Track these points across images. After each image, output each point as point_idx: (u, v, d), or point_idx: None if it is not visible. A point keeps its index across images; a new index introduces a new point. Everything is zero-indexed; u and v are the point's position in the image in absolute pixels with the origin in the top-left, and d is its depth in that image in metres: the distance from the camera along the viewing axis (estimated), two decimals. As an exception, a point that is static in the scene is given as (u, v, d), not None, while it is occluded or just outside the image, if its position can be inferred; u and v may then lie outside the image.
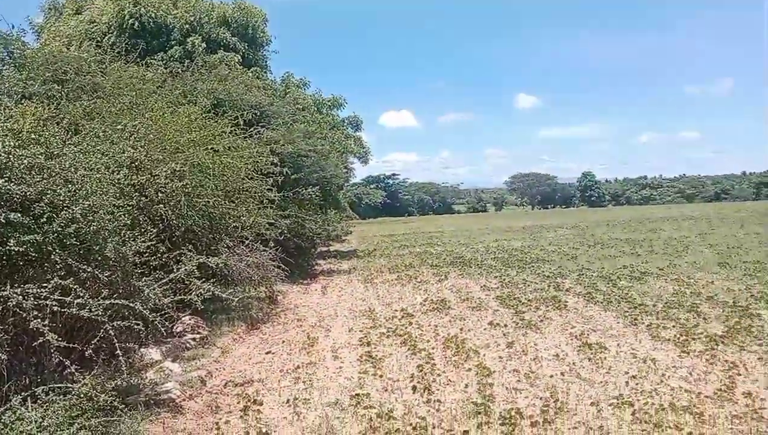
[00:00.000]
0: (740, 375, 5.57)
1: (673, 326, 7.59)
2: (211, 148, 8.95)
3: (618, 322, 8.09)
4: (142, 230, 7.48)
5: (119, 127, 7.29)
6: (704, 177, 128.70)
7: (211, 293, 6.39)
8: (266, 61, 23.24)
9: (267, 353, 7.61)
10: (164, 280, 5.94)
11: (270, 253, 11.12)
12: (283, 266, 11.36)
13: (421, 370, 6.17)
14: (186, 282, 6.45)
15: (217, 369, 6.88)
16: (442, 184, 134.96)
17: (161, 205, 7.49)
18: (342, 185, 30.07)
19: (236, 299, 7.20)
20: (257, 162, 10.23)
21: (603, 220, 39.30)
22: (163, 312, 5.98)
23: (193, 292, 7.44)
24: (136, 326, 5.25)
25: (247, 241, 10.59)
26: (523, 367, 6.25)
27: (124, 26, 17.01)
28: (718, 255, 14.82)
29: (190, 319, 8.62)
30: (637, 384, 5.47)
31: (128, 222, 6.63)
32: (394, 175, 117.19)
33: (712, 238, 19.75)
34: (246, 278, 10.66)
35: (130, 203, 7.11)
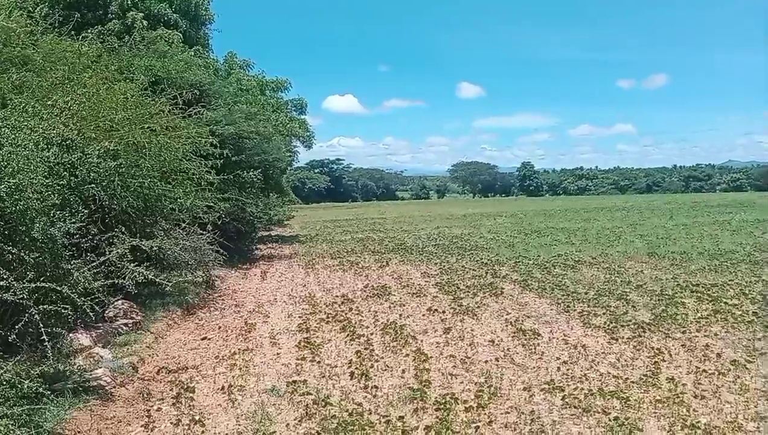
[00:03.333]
0: (665, 361, 5.83)
1: (604, 313, 7.88)
2: (148, 128, 8.63)
3: (551, 309, 8.34)
4: (73, 211, 7.20)
5: (50, 102, 6.92)
6: (637, 169, 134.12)
7: (144, 278, 6.18)
8: (209, 40, 22.61)
9: (203, 339, 7.47)
10: (95, 263, 5.70)
11: (208, 236, 10.89)
12: (222, 251, 11.13)
13: (359, 356, 6.19)
14: (118, 265, 6.21)
15: (150, 355, 6.70)
16: (386, 171, 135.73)
17: (93, 186, 7.19)
18: (285, 169, 29.73)
19: (170, 284, 6.99)
20: (196, 143, 9.94)
21: (540, 209, 40.34)
22: (93, 296, 5.78)
23: (127, 277, 7.25)
24: (63, 311, 5.06)
25: (184, 225, 10.35)
26: (460, 352, 6.36)
27: (58, -3, 16.13)
28: (647, 245, 15.46)
29: (122, 304, 8.34)
30: (568, 369, 5.66)
31: (57, 202, 6.36)
32: (338, 160, 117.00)
33: (643, 229, 20.58)
34: (182, 262, 10.44)
35: (60, 183, 6.82)
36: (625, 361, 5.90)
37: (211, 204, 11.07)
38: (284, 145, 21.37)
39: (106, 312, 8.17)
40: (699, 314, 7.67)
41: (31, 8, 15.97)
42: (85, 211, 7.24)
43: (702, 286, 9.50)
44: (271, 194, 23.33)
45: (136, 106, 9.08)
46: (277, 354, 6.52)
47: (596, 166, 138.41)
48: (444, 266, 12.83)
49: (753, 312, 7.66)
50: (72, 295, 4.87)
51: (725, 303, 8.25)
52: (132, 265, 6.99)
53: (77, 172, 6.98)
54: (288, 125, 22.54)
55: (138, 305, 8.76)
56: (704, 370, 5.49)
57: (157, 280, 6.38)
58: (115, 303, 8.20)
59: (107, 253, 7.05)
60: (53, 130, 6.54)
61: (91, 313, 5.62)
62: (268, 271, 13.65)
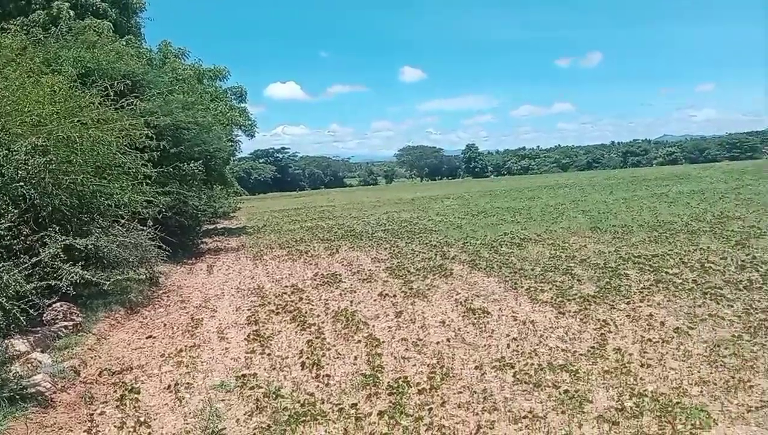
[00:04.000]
0: (611, 332, 5.97)
1: (550, 289, 8.03)
2: (78, 121, 8.22)
3: (500, 287, 8.44)
4: (1, 211, 6.83)
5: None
6: (577, 147, 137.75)
7: (80, 278, 5.91)
8: (141, 29, 21.85)
9: (147, 338, 7.22)
10: (26, 265, 5.39)
11: (149, 232, 10.54)
12: (164, 246, 10.78)
13: (310, 346, 6.10)
14: (52, 266, 5.91)
15: (92, 357, 6.43)
16: (333, 158, 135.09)
17: (21, 184, 6.81)
18: (228, 160, 29.07)
19: (108, 283, 6.68)
20: (130, 135, 9.55)
21: (486, 190, 40.95)
22: (27, 299, 5.49)
23: (63, 277, 6.93)
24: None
25: (123, 221, 9.97)
26: (412, 335, 6.35)
27: (-28, -14, 15.23)
28: (590, 220, 15.87)
29: (61, 306, 7.95)
30: (517, 346, 5.72)
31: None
32: (283, 148, 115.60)
33: (585, 205, 21.14)
34: (123, 260, 10.08)
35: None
36: (573, 334, 6.02)
37: (151, 198, 10.72)
38: (225, 134, 20.87)
39: (45, 315, 7.79)
40: (642, 285, 7.91)
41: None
42: (15, 210, 6.92)
43: (643, 257, 9.81)
44: (214, 186, 22.85)
45: (65, 99, 8.67)
46: (226, 349, 6.36)
47: (538, 146, 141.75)
48: (394, 251, 12.83)
49: (693, 280, 7.94)
50: (-1, 300, 4.57)
51: (666, 272, 8.53)
52: (68, 265, 6.70)
53: (3, 171, 6.60)
54: (228, 114, 22.02)
55: (78, 306, 8.38)
56: (649, 339, 5.65)
57: (94, 279, 6.11)
58: (54, 305, 7.84)
59: (40, 253, 6.75)
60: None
61: (22, 318, 5.37)
62: (215, 264, 13.35)
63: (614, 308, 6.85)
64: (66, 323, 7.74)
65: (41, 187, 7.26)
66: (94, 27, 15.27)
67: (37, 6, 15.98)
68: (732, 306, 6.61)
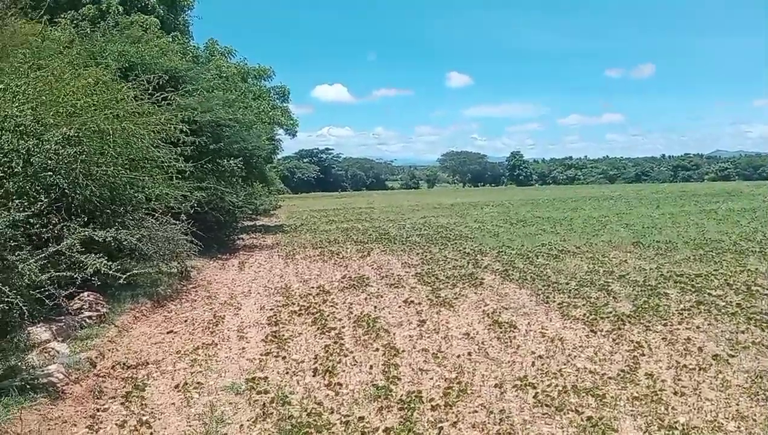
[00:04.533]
0: (644, 355, 5.61)
1: (584, 305, 7.65)
2: (112, 113, 8.25)
3: (531, 300, 8.11)
4: (32, 200, 6.87)
5: (1, 86, 6.56)
6: (626, 159, 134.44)
7: (96, 269, 5.87)
8: (189, 27, 22.17)
9: (168, 332, 7.18)
10: (42, 255, 5.37)
11: (181, 226, 10.57)
12: (196, 241, 10.81)
13: (327, 351, 5.92)
14: (70, 257, 5.89)
15: (110, 349, 6.41)
16: (376, 160, 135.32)
17: (50, 173, 6.84)
18: (270, 158, 29.28)
19: (123, 278, 6.58)
20: (165, 129, 9.57)
21: (528, 198, 40.19)
22: (43, 289, 5.47)
23: (78, 269, 6.94)
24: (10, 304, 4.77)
25: (156, 214, 10.02)
26: (433, 346, 6.11)
27: (28, -21, 15.62)
28: (633, 234, 15.28)
29: (88, 296, 8.02)
30: (543, 364, 5.42)
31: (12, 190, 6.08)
32: (327, 149, 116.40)
33: (629, 218, 20.42)
34: (153, 253, 10.13)
35: (16, 170, 6.51)
36: (603, 355, 5.67)
37: (186, 193, 10.76)
38: (266, 133, 20.98)
39: (71, 304, 7.86)
40: (682, 305, 7.46)
41: (1, -9, 15.69)
42: (45, 199, 6.96)
43: (686, 277, 9.31)
44: (254, 183, 23.03)
45: (102, 92, 8.72)
46: (243, 349, 6.24)
47: (585, 156, 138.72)
48: (426, 256, 12.57)
49: (737, 303, 7.45)
50: (4, 289, 4.53)
51: (709, 294, 8.05)
52: (92, 255, 6.68)
53: (32, 160, 6.64)
54: (270, 113, 22.15)
55: (106, 297, 8.44)
56: (685, 365, 5.27)
57: (110, 272, 6.03)
58: (82, 295, 7.89)
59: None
60: (4, 114, 6.22)
61: (39, 307, 5.35)
62: (247, 261, 13.35)
63: (650, 329, 6.45)
64: (91, 313, 7.78)
65: (72, 178, 7.30)
66: (141, 22, 15.51)
67: (88, 0, 16.33)
68: (780, 334, 6.14)
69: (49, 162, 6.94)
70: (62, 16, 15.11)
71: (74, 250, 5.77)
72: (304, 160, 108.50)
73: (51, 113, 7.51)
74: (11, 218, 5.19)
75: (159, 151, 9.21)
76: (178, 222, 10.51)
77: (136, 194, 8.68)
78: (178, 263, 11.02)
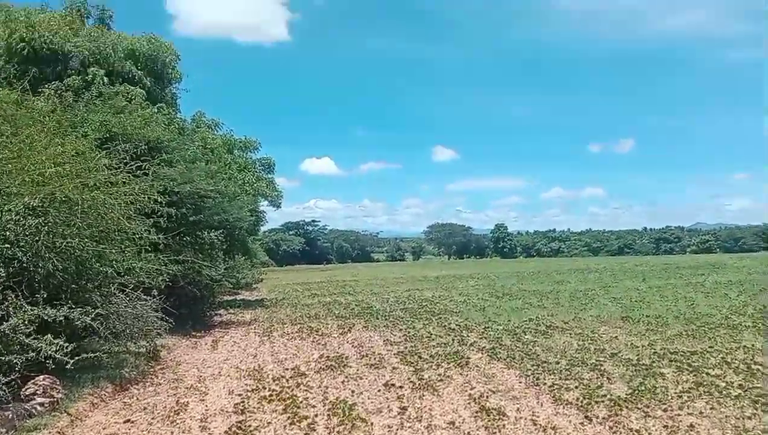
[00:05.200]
0: (644, 446, 5.13)
1: (576, 387, 7.18)
2: (81, 183, 7.90)
3: (520, 382, 7.61)
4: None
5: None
6: (608, 232, 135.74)
7: (55, 352, 5.36)
8: (176, 99, 22.23)
9: (125, 422, 6.56)
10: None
11: (153, 302, 10.06)
12: (167, 318, 10.26)
13: (296, 445, 5.37)
14: (10, 340, 5.38)
15: (57, 443, 5.78)
16: (361, 232, 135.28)
17: (7, 246, 6.42)
18: (254, 230, 28.89)
19: (71, 362, 6.03)
20: (139, 200, 9.22)
21: (513, 271, 39.90)
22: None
23: (42, 350, 6.43)
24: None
25: (126, 290, 9.53)
26: (415, 437, 5.58)
27: (14, 50, 15.66)
28: (621, 308, 14.91)
29: (44, 380, 7.38)
30: (535, 458, 4.91)
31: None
32: (313, 221, 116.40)
33: (616, 291, 20.10)
34: (121, 332, 9.57)
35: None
36: (601, 447, 5.18)
37: (158, 266, 10.31)
38: (250, 204, 20.71)
39: (24, 389, 7.24)
40: (680, 387, 7.01)
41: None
42: (3, 274, 6.51)
43: (681, 354, 8.89)
44: (236, 256, 22.55)
45: (74, 161, 8.41)
46: (204, 442, 5.66)
47: (568, 229, 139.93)
48: (409, 332, 12.05)
49: (738, 384, 7.03)
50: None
51: (707, 374, 7.61)
52: (49, 336, 6.16)
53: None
54: (255, 184, 21.95)
55: (64, 380, 7.81)
56: (690, 459, 4.79)
57: (58, 356, 5.52)
58: (37, 379, 7.28)
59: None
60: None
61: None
62: (222, 339, 12.73)
63: (649, 416, 5.97)
64: (43, 399, 7.13)
65: (33, 250, 6.88)
66: (125, 93, 15.45)
67: (73, 72, 16.31)
68: (789, 422, 5.69)
69: (7, 233, 6.54)
70: (47, 86, 15.01)
71: (19, 332, 5.26)
72: (290, 232, 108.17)
73: (17, 182, 7.17)
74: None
75: (131, 223, 8.81)
76: (149, 298, 10.03)
77: (103, 269, 8.22)
78: (147, 342, 10.42)
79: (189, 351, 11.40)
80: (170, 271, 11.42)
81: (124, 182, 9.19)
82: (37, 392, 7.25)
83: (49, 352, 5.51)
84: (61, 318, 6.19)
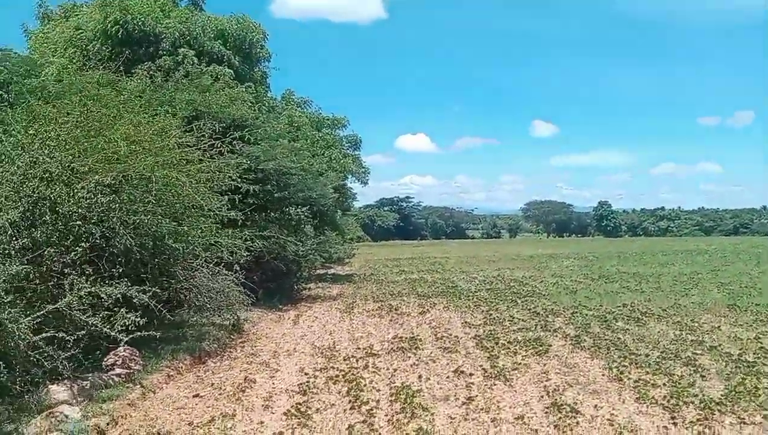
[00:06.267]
0: (738, 459, 4.49)
1: (665, 383, 6.48)
2: (155, 161, 8.00)
3: (603, 375, 7.00)
4: (62, 250, 6.66)
5: (31, 132, 6.44)
6: (723, 210, 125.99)
7: (96, 331, 5.45)
8: (267, 78, 22.60)
9: (194, 396, 6.64)
10: (40, 313, 4.99)
11: (236, 277, 10.23)
12: (248, 293, 10.42)
13: (351, 433, 5.15)
14: (70, 316, 5.50)
15: (125, 415, 5.91)
16: (456, 209, 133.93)
17: (78, 223, 6.59)
18: (346, 206, 29.18)
19: (124, 339, 6.12)
20: (216, 178, 9.31)
21: (615, 251, 37.96)
22: (41, 350, 5.08)
23: (118, 323, 6.60)
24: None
25: (210, 265, 9.74)
26: (478, 430, 5.22)
27: (109, 33, 16.39)
28: (728, 295, 13.63)
29: (124, 351, 7.64)
30: (607, 465, 4.42)
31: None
32: (408, 197, 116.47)
33: (725, 275, 18.49)
34: (204, 305, 9.83)
35: (44, 219, 6.31)
36: (686, 456, 4.58)
37: (239, 242, 10.42)
38: (337, 181, 20.80)
39: (106, 360, 7.55)
40: (788, 390, 6.16)
41: (84, 45, 16.54)
42: (78, 248, 6.72)
43: (793, 351, 7.89)
44: (326, 231, 22.82)
45: (151, 139, 8.56)
46: (261, 422, 5.57)
47: (679, 207, 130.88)
48: (491, 315, 11.58)
49: None
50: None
51: (824, 376, 6.66)
52: (82, 315, 6.22)
53: (58, 209, 6.42)
54: (342, 161, 22.01)
55: (146, 352, 8.10)
56: (794, 479, 4.12)
57: (117, 336, 5.59)
58: (117, 350, 7.54)
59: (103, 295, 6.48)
60: (32, 160, 6.06)
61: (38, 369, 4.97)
62: (305, 314, 12.85)
63: (745, 422, 5.24)
64: (121, 371, 7.38)
65: (106, 227, 7.06)
66: (213, 73, 15.79)
67: (164, 52, 16.87)
68: None
69: (81, 210, 6.73)
70: (139, 67, 15.63)
71: (74, 308, 5.36)
72: (385, 209, 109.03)
73: (92, 160, 7.36)
74: (10, 272, 4.86)
75: (206, 200, 8.90)
76: (231, 272, 10.20)
77: (178, 245, 8.35)
78: (231, 315, 10.66)
79: (272, 325, 11.56)
80: (255, 247, 11.62)
81: (200, 160, 9.30)
82: (117, 363, 7.51)
83: (120, 327, 5.61)
84: (118, 295, 6.28)
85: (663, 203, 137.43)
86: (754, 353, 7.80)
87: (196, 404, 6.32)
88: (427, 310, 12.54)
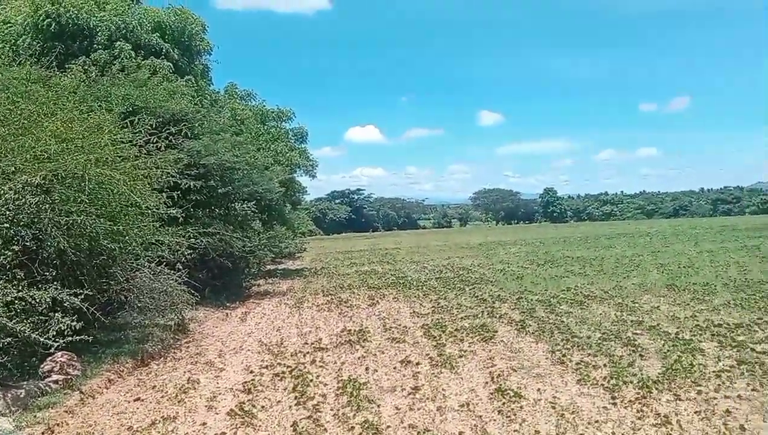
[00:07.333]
0: (673, 434, 4.64)
1: (605, 364, 6.66)
2: (88, 159, 7.68)
3: (547, 358, 7.14)
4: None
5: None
6: (663, 193, 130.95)
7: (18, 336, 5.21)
8: (208, 71, 22.10)
9: (135, 400, 6.44)
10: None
11: (179, 276, 10.00)
12: (193, 292, 10.17)
13: (295, 430, 5.09)
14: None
15: (61, 423, 5.69)
16: (407, 200, 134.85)
17: (6, 226, 6.29)
18: (298, 200, 28.84)
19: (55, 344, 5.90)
20: (154, 175, 9.02)
21: (560, 236, 38.90)
22: None
23: (52, 328, 6.36)
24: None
25: (151, 265, 9.48)
26: (423, 420, 5.23)
27: (40, 27, 15.68)
28: (668, 275, 14.13)
29: (62, 356, 7.36)
30: (549, 447, 4.50)
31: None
32: (359, 190, 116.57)
33: (664, 257, 19.17)
34: (145, 307, 9.59)
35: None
36: (624, 433, 4.71)
37: (184, 240, 10.16)
38: (283, 175, 20.55)
39: (42, 366, 7.24)
40: (720, 365, 6.42)
41: (13, 40, 15.78)
42: (8, 253, 6.42)
43: (725, 327, 8.23)
44: (275, 226, 22.53)
45: (83, 136, 8.23)
46: (204, 424, 5.45)
47: (621, 191, 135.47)
48: (439, 303, 11.68)
49: (786, 362, 6.39)
50: None
51: (752, 350, 6.96)
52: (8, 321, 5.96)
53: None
54: (288, 155, 21.75)
55: (85, 356, 7.82)
56: (723, 449, 4.29)
57: (47, 342, 5.37)
58: (54, 356, 7.25)
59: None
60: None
61: None
62: (253, 310, 12.67)
63: (680, 398, 5.43)
64: (58, 377, 7.11)
65: (36, 229, 6.76)
66: (150, 66, 15.32)
67: (99, 46, 16.26)
68: (842, 406, 5.08)
69: (9, 213, 6.42)
70: (73, 62, 15.03)
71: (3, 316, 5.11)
72: (336, 202, 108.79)
73: (19, 160, 7.03)
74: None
75: (143, 198, 8.62)
76: (174, 271, 9.96)
77: (115, 245, 8.07)
78: (175, 315, 10.42)
79: (219, 323, 11.35)
80: (198, 244, 11.37)
81: (136, 156, 9.01)
82: (54, 369, 7.23)
83: (54, 332, 5.38)
84: (48, 299, 6.03)
85: (606, 188, 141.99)
86: (690, 331, 8.09)
87: (137, 408, 6.13)
88: (377, 301, 12.55)
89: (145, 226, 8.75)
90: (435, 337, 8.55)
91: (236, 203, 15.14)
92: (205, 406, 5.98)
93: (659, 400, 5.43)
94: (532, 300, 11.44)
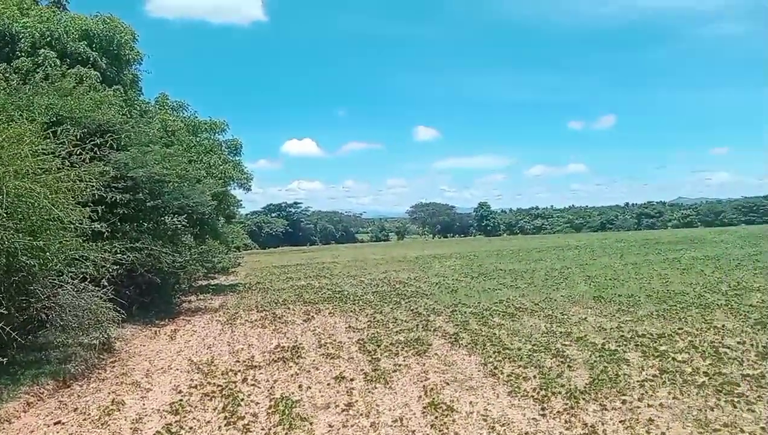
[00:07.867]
0: (597, 442, 4.80)
1: (535, 376, 6.83)
2: (5, 171, 7.30)
3: (479, 371, 7.26)
4: None
5: None
6: (591, 208, 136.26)
7: None
8: (138, 81, 21.48)
9: (55, 424, 6.12)
10: None
11: (103, 292, 9.58)
12: (119, 309, 9.77)
13: (225, 450, 4.97)
14: None
15: (-29, 453, 5.33)
16: (345, 213, 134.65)
17: None
18: (232, 213, 28.21)
19: None
20: (75, 188, 8.64)
21: (494, 249, 39.74)
22: None
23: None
24: None
25: (74, 281, 9.05)
26: (357, 437, 5.20)
27: (-44, 32, 14.86)
28: (594, 287, 14.66)
29: (-24, 380, 6.93)
30: (480, 459, 4.56)
31: None
32: (296, 203, 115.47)
33: (592, 269, 19.89)
34: (68, 325, 9.14)
35: None
36: (552, 444, 4.83)
37: (109, 255, 9.76)
38: (217, 187, 20.09)
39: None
40: (644, 375, 6.69)
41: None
42: None
43: (648, 337, 8.61)
44: (207, 241, 21.97)
45: (1, 148, 7.80)
46: (128, 448, 5.24)
47: (551, 206, 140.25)
48: (375, 317, 11.69)
49: (704, 371, 6.70)
50: None
51: (673, 359, 7.30)
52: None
53: None
54: (221, 167, 21.31)
55: (3, 378, 7.38)
56: (644, 456, 4.46)
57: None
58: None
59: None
60: None
61: None
62: (183, 328, 12.30)
63: (606, 408, 5.63)
64: (-30, 402, 6.70)
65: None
66: (76, 75, 14.75)
67: (22, 53, 15.55)
68: (753, 410, 5.38)
69: None
70: (-8, 69, 14.29)
71: None
72: (272, 215, 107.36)
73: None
74: None
75: (66, 212, 8.24)
76: (98, 288, 9.55)
77: (38, 261, 7.67)
78: (100, 334, 9.97)
79: (146, 341, 10.95)
80: (125, 260, 10.97)
81: (59, 169, 8.62)
82: (-34, 394, 6.81)
83: None
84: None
85: (537, 203, 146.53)
86: (616, 342, 8.41)
87: (57, 432, 5.84)
88: (313, 316, 12.44)
89: (68, 241, 8.36)
90: (370, 352, 8.54)
91: (166, 217, 14.71)
92: (131, 429, 5.74)
93: (586, 410, 5.61)
94: (465, 313, 11.62)
